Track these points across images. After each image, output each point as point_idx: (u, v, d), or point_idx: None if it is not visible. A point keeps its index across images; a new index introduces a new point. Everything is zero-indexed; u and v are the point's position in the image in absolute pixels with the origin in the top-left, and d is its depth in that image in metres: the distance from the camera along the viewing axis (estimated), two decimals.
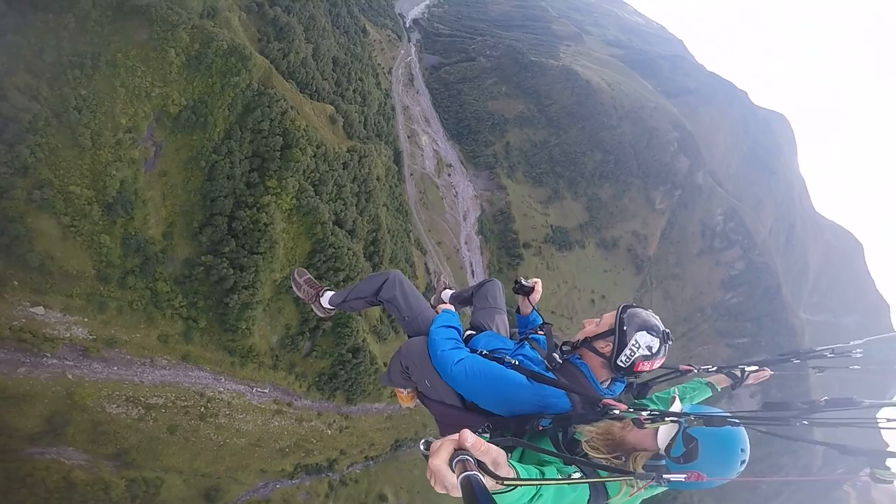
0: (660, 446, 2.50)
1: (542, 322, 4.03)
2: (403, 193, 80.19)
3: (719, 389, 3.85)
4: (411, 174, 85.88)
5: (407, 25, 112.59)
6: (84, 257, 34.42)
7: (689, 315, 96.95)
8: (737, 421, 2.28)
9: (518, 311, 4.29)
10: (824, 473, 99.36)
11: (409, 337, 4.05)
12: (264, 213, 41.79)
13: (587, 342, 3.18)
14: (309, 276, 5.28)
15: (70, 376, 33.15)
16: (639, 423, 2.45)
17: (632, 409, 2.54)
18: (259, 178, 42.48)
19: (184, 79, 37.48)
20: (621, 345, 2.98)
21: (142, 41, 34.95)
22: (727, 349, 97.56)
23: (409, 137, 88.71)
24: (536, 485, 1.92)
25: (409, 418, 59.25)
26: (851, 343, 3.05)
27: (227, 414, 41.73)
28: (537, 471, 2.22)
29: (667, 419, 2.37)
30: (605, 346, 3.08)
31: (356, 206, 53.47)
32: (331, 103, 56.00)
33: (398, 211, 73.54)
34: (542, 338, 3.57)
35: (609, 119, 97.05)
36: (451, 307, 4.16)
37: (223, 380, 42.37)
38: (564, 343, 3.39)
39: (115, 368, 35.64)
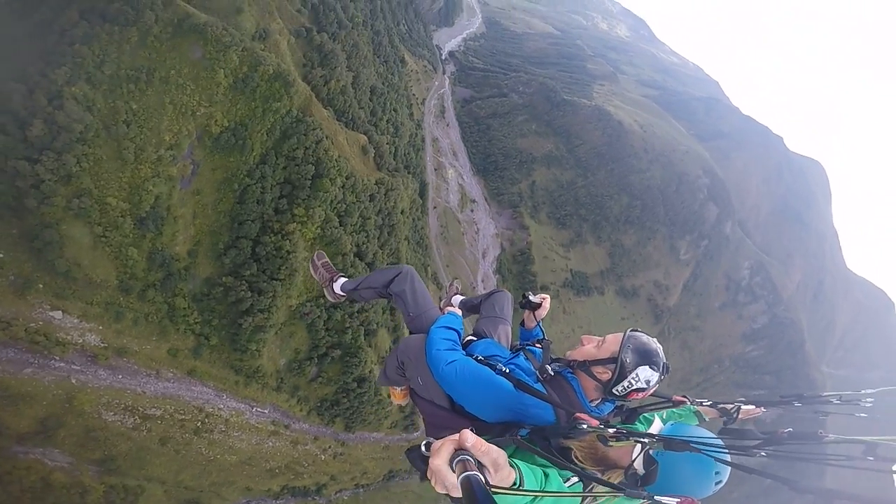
0: (635, 466, 2.50)
1: (542, 337, 4.04)
2: (425, 227, 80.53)
3: (707, 419, 3.78)
4: (434, 207, 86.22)
5: (443, 57, 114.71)
6: (109, 267, 35.05)
7: (706, 366, 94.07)
8: (697, 447, 2.22)
9: (522, 323, 4.26)
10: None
11: (411, 333, 4.11)
12: (288, 241, 42.47)
13: (585, 366, 3.11)
14: (327, 260, 5.50)
15: (74, 381, 33.37)
16: (603, 440, 2.50)
17: (601, 426, 2.53)
18: (288, 204, 43.33)
19: (229, 100, 38.74)
20: (621, 376, 2.94)
21: (195, 59, 36.41)
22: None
23: (435, 170, 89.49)
24: (528, 495, 1.90)
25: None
26: (863, 391, 2.94)
27: (222, 430, 41.61)
28: (541, 471, 2.22)
29: (631, 438, 2.40)
30: (604, 374, 3.03)
31: (378, 238, 54.05)
32: (364, 133, 57.35)
33: (418, 244, 73.78)
34: (539, 350, 3.57)
35: (639, 162, 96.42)
36: (458, 311, 4.28)
37: (225, 397, 42.37)
38: (558, 360, 3.33)
39: (120, 377, 35.82)
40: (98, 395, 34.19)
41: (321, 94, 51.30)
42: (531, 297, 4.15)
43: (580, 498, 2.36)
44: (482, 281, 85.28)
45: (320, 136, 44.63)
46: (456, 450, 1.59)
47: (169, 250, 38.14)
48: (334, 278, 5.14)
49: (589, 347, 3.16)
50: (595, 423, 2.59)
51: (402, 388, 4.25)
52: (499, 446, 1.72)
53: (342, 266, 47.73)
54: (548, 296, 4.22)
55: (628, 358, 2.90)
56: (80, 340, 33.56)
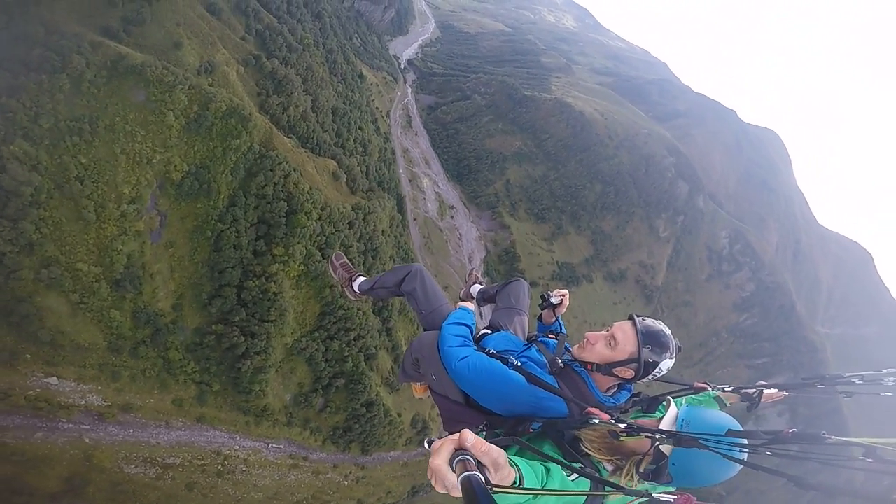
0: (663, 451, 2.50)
1: (560, 330, 4.02)
2: (408, 240, 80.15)
3: (728, 404, 3.72)
4: (414, 219, 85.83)
5: (402, 66, 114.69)
6: (95, 331, 34.29)
7: (705, 340, 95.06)
8: (707, 444, 2.23)
9: (540, 318, 4.19)
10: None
11: (425, 331, 4.10)
12: (273, 283, 41.88)
13: (604, 368, 3.06)
14: (346, 260, 5.49)
15: (87, 440, 32.96)
16: (614, 435, 2.51)
17: (613, 421, 2.53)
18: (266, 245, 42.58)
19: (184, 143, 37.75)
20: (645, 373, 2.94)
21: (139, 103, 35.15)
22: (747, 370, 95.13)
23: (410, 181, 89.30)
24: (528, 493, 1.89)
25: (425, 464, 57.63)
26: (884, 371, 2.93)
27: (243, 470, 41.44)
28: (542, 467, 2.22)
29: (642, 434, 2.41)
30: (626, 373, 3.00)
31: (363, 264, 53.60)
32: (332, 156, 56.90)
33: (403, 260, 73.59)
34: (553, 342, 3.56)
35: (605, 149, 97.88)
36: (471, 304, 4.20)
37: (238, 438, 42.21)
38: (572, 360, 3.25)
39: (131, 431, 35.48)
40: (114, 451, 33.84)
41: (281, 122, 50.58)
42: (552, 299, 4.09)
43: (584, 495, 2.36)
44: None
45: (288, 170, 44.00)
46: (456, 449, 1.58)
47: (152, 307, 37.39)
48: (353, 278, 5.17)
49: (601, 349, 3.07)
50: (606, 417, 2.59)
51: (422, 383, 4.28)
52: (500, 446, 1.72)
53: (331, 299, 47.38)
54: (567, 291, 4.17)
55: (650, 357, 2.89)
56: (83, 402, 33.09)
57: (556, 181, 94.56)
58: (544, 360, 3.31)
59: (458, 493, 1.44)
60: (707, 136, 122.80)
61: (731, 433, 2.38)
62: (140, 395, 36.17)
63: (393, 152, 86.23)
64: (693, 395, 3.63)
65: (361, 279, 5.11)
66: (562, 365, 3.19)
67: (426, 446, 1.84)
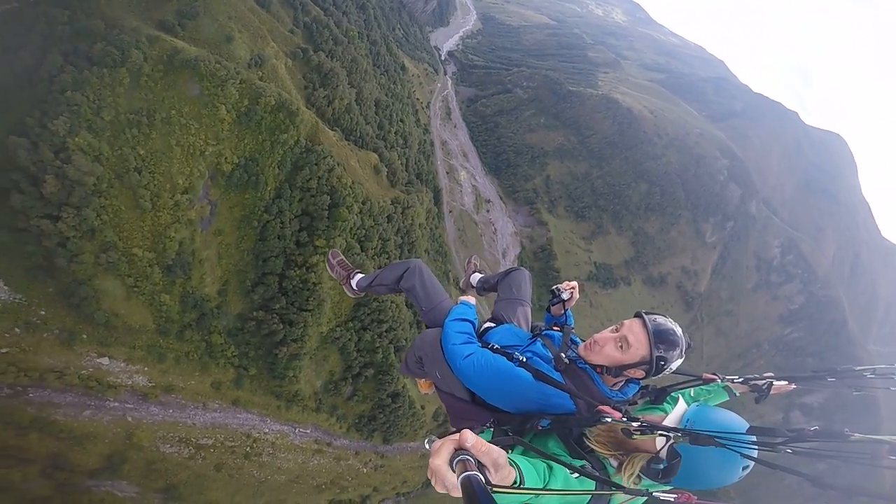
0: (661, 455, 2.50)
1: (566, 322, 3.87)
2: (442, 232, 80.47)
3: (737, 394, 3.66)
4: (450, 211, 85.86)
5: (443, 58, 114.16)
6: (146, 314, 36.24)
7: (744, 351, 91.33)
8: (724, 443, 2.22)
9: (548, 309, 4.04)
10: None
11: (427, 327, 4.07)
12: (313, 273, 42.93)
13: (615, 371, 3.02)
14: (342, 258, 5.45)
15: (129, 419, 35.04)
16: (627, 434, 2.51)
17: (625, 419, 2.53)
18: (308, 237, 43.77)
19: (235, 136, 39.01)
20: (657, 372, 2.93)
21: (193, 97, 36.40)
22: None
23: (447, 173, 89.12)
24: (527, 493, 1.89)
25: None
26: (895, 365, 2.89)
27: (270, 453, 43.18)
28: (545, 465, 2.23)
29: (657, 432, 2.40)
30: (637, 373, 2.99)
31: (399, 257, 54.36)
32: (374, 149, 57.68)
33: (437, 252, 73.91)
34: (558, 335, 3.50)
35: (653, 148, 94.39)
36: (472, 298, 4.14)
37: (269, 421, 43.90)
38: (577, 357, 3.20)
39: (171, 411, 37.47)
40: (153, 430, 35.85)
41: (326, 114, 51.58)
42: (562, 295, 3.94)
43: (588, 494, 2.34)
44: None
45: (332, 164, 44.91)
46: (456, 449, 1.59)
47: (199, 292, 39.09)
48: (351, 275, 5.15)
49: (611, 351, 3.00)
50: (618, 415, 2.58)
51: (427, 379, 4.24)
52: (503, 445, 1.73)
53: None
54: (575, 283, 4.03)
55: (662, 357, 2.87)
56: (130, 382, 35.10)
57: (598, 179, 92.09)
58: (550, 354, 3.28)
59: (458, 493, 1.45)
60: (765, 138, 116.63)
61: (753, 430, 2.36)
62: (182, 377, 38.02)
63: (431, 144, 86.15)
64: (702, 386, 3.60)
65: (359, 276, 5.06)
66: (567, 361, 3.14)
67: (426, 446, 1.85)
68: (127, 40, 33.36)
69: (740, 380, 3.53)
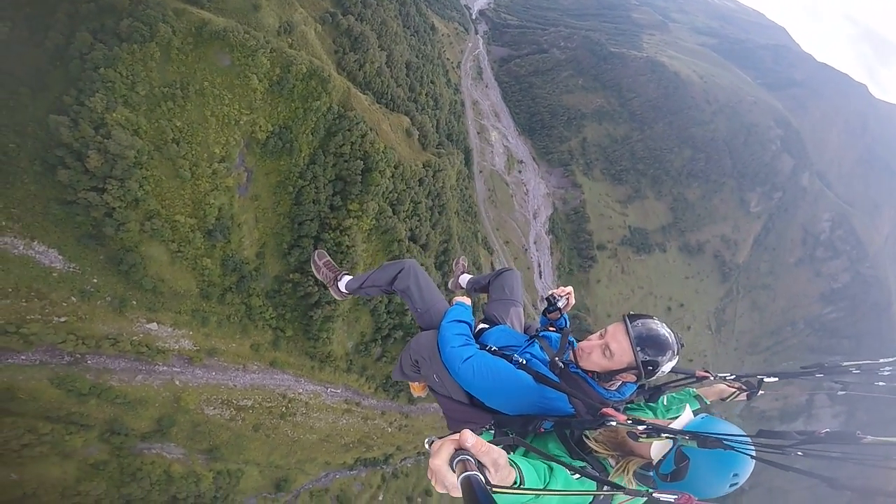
0: (652, 458, 2.52)
1: (564, 324, 3.96)
2: (473, 193, 79.66)
3: (708, 402, 3.73)
4: (480, 171, 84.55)
5: (473, 17, 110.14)
6: (189, 278, 37.95)
7: (778, 328, 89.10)
8: (731, 444, 2.24)
9: (545, 313, 4.09)
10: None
11: (421, 329, 3.99)
12: (347, 236, 43.74)
13: (606, 377, 3.05)
14: (329, 258, 5.28)
15: (177, 382, 37.38)
16: (633, 437, 2.49)
17: (630, 422, 2.51)
18: (342, 201, 44.35)
19: (268, 104, 38.90)
20: (649, 376, 2.93)
21: (225, 68, 36.16)
22: None
23: (478, 133, 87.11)
24: (526, 493, 1.89)
25: None
26: (881, 360, 2.91)
27: (303, 413, 45.72)
28: (545, 466, 2.24)
29: (663, 435, 2.37)
30: (629, 377, 3.00)
31: (430, 219, 54.51)
32: (406, 112, 56.67)
33: (467, 213, 73.54)
34: (555, 335, 3.53)
35: (701, 114, 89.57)
36: (467, 298, 4.13)
37: (303, 381, 46.29)
38: (570, 361, 3.24)
39: (214, 374, 39.79)
40: (199, 393, 38.24)
41: (357, 78, 50.65)
42: (558, 304, 3.94)
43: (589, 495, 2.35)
44: (534, 242, 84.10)
45: (364, 130, 44.50)
46: (456, 450, 1.59)
47: (238, 255, 40.51)
48: (338, 277, 4.99)
49: (597, 359, 3.02)
50: (623, 418, 2.55)
51: (420, 382, 4.21)
52: (503, 446, 1.75)
53: (398, 252, 49.31)
54: (570, 289, 4.03)
55: (650, 361, 2.85)
56: (176, 346, 37.20)
57: (639, 143, 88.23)
58: (546, 357, 3.27)
59: (458, 494, 1.45)
60: (826, 110, 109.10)
61: (763, 434, 2.35)
62: (224, 340, 40.10)
63: (462, 104, 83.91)
64: (673, 394, 3.61)
65: (347, 278, 4.91)
66: (561, 365, 3.14)
67: (426, 446, 1.85)
68: (153, 15, 32.85)
69: (732, 377, 3.49)
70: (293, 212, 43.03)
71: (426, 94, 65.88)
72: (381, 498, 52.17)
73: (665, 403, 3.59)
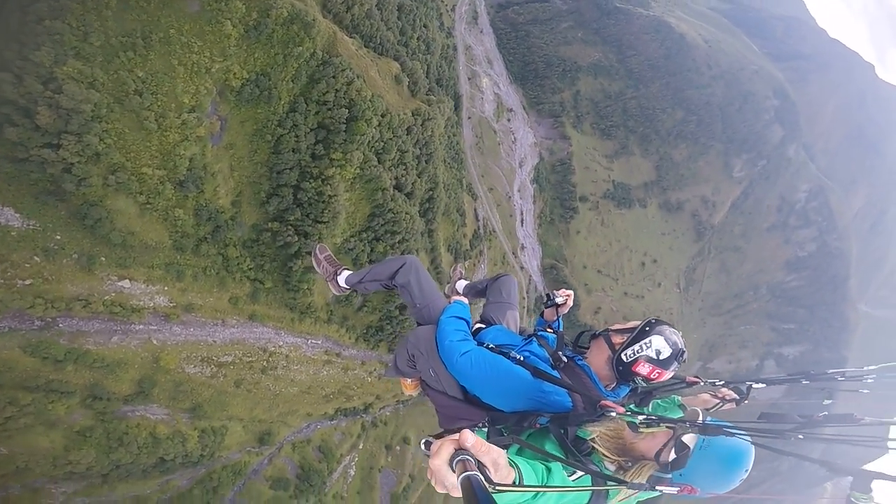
0: (664, 454, 2.48)
1: (559, 327, 3.97)
2: (460, 140, 76.42)
3: (689, 409, 3.65)
4: (469, 117, 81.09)
5: None
6: (161, 230, 35.45)
7: (741, 292, 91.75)
8: (732, 431, 2.21)
9: (542, 314, 4.11)
10: (793, 476, 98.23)
11: (419, 325, 4.00)
12: (329, 185, 41.16)
13: (607, 332, 3.17)
14: (329, 253, 5.29)
15: (154, 341, 36.01)
16: (634, 427, 2.50)
17: (629, 413, 2.53)
18: (324, 149, 41.15)
19: (244, 51, 34.54)
20: (635, 340, 2.96)
21: (194, 14, 31.56)
22: (771, 332, 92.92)
23: (469, 79, 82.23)
24: (529, 491, 1.92)
25: None
26: (865, 368, 2.94)
27: (284, 366, 45.18)
28: (543, 467, 2.22)
29: (663, 424, 2.39)
30: (620, 339, 3.05)
31: (416, 168, 51.95)
32: (395, 57, 51.76)
33: (453, 160, 70.70)
34: (552, 336, 3.53)
35: (700, 77, 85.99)
36: (465, 299, 4.21)
37: (283, 334, 45.32)
38: (583, 332, 3.44)
39: (192, 330, 38.42)
40: (178, 352, 37.08)
41: (344, 21, 45.27)
42: (556, 299, 3.94)
43: (589, 492, 2.33)
44: (518, 190, 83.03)
45: (351, 77, 40.42)
46: (456, 450, 1.54)
47: (213, 204, 37.77)
48: (338, 272, 4.95)
49: (616, 324, 3.20)
50: (621, 409, 2.55)
51: (413, 379, 4.20)
52: (500, 445, 1.69)
53: (382, 201, 47.25)
54: (571, 292, 4.01)
55: (647, 328, 2.94)
56: (152, 304, 35.42)
57: (632, 100, 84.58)
58: (546, 354, 3.25)
59: (458, 494, 1.42)
60: (826, 84, 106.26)
61: (764, 416, 2.38)
62: (201, 294, 38.42)
63: (454, 49, 78.01)
64: (658, 400, 3.58)
65: (347, 273, 4.88)
66: (565, 359, 3.13)
67: (422, 447, 1.80)
68: None
69: (721, 383, 3.46)
70: (271, 160, 39.82)
71: (417, 39, 60.15)
72: (360, 446, 53.88)
73: (649, 409, 3.48)
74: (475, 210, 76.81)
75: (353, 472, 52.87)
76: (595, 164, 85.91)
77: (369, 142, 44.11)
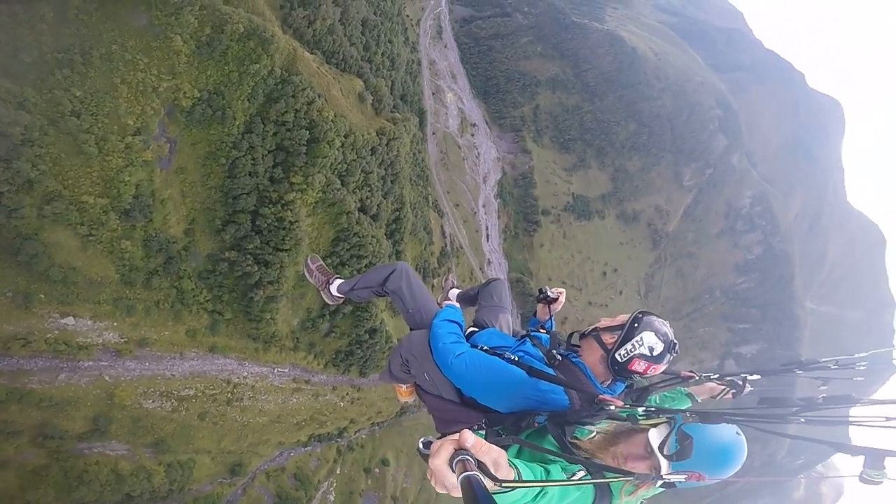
0: (653, 446, 2.35)
1: (551, 327, 3.91)
2: (425, 156, 75.43)
3: (699, 400, 3.69)
4: (433, 133, 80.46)
5: None
6: (106, 263, 32.14)
7: (698, 295, 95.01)
8: (732, 417, 2.20)
9: (535, 314, 4.06)
10: (787, 462, 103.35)
11: (411, 330, 3.94)
12: (289, 211, 38.80)
13: (596, 331, 3.10)
14: (321, 263, 5.26)
15: (107, 378, 32.74)
16: (634, 420, 2.48)
17: (628, 406, 2.52)
18: (283, 173, 38.75)
19: (195, 68, 32.04)
20: (626, 339, 2.88)
21: (140, 28, 28.99)
22: (728, 333, 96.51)
23: (433, 94, 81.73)
24: (536, 486, 1.88)
25: None
26: (856, 356, 2.85)
27: (250, 397, 42.29)
28: (542, 469, 2.15)
29: (661, 415, 2.38)
30: (611, 339, 2.98)
31: (381, 189, 50.14)
32: (359, 73, 50.05)
33: (419, 177, 69.43)
34: (545, 336, 3.48)
35: (650, 90, 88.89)
36: (457, 304, 4.11)
37: (247, 364, 42.35)
38: (573, 332, 3.34)
39: (147, 364, 35.26)
40: (133, 387, 33.95)
41: (305, 36, 43.27)
42: (549, 293, 3.94)
43: (592, 490, 2.25)
44: (483, 206, 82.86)
45: (312, 97, 38.40)
46: (456, 450, 1.50)
47: (164, 234, 34.75)
48: (330, 281, 4.91)
49: (604, 321, 3.11)
50: (620, 403, 2.54)
51: (408, 386, 4.12)
52: (499, 446, 1.64)
53: (346, 225, 45.14)
54: (563, 290, 4.00)
55: (636, 324, 2.87)
56: (100, 340, 32.29)
57: (588, 113, 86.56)
58: (540, 353, 3.22)
59: (457, 494, 1.38)
60: (764, 94, 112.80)
61: (764, 401, 2.39)
62: (155, 328, 35.28)
63: (419, 63, 77.44)
64: (666, 393, 3.58)
65: (339, 281, 4.85)
66: (559, 358, 3.10)
67: (421, 447, 1.79)
68: None
69: (716, 377, 3.45)
70: (226, 185, 37.11)
71: (382, 54, 58.67)
72: (338, 471, 50.94)
73: (658, 400, 3.51)
74: (442, 227, 75.67)
75: (332, 498, 49.84)
76: (555, 178, 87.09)
77: (332, 164, 41.95)
